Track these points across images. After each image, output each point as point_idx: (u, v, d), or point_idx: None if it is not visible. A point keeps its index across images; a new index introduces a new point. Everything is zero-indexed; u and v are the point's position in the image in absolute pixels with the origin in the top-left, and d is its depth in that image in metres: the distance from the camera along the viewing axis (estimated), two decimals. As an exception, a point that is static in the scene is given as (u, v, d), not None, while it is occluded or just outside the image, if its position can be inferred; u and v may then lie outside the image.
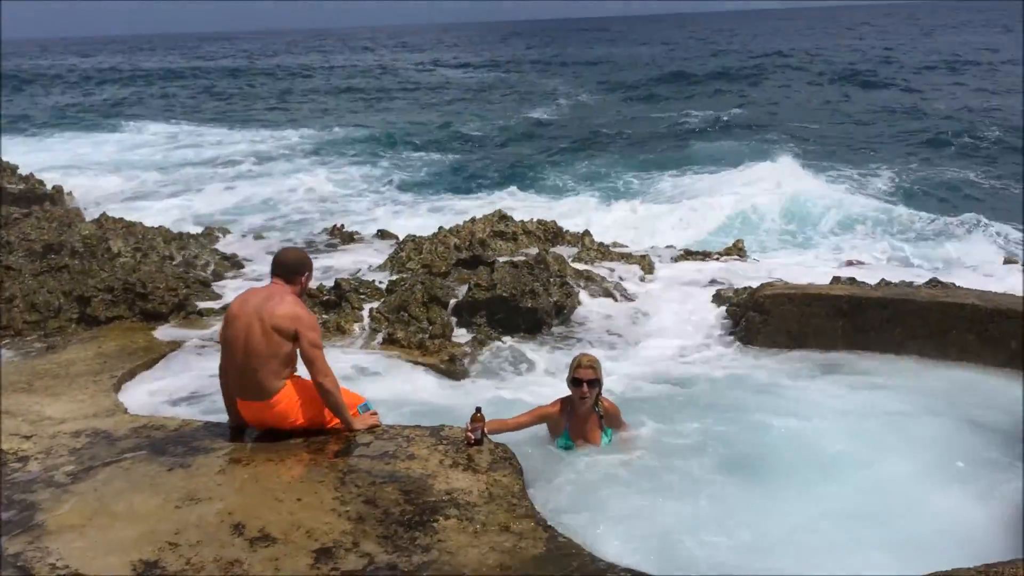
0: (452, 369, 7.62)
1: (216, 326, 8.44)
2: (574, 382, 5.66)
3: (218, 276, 10.60)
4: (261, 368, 5.21)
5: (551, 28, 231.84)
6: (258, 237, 13.85)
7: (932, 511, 4.84)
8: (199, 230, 13.73)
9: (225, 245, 12.74)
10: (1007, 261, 10.78)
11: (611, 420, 5.79)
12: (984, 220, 16.66)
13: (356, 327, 8.55)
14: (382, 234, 13.66)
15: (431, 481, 4.82)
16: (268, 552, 4.05)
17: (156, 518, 4.35)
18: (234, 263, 11.27)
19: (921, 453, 5.55)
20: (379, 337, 8.23)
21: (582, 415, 5.70)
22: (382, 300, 8.99)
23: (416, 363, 7.69)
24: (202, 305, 9.12)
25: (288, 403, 5.30)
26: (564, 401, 5.77)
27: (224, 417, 5.65)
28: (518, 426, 5.74)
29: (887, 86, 45.62)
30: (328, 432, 5.42)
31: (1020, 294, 8.30)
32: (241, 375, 5.31)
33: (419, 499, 4.61)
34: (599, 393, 5.73)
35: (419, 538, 4.24)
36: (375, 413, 5.65)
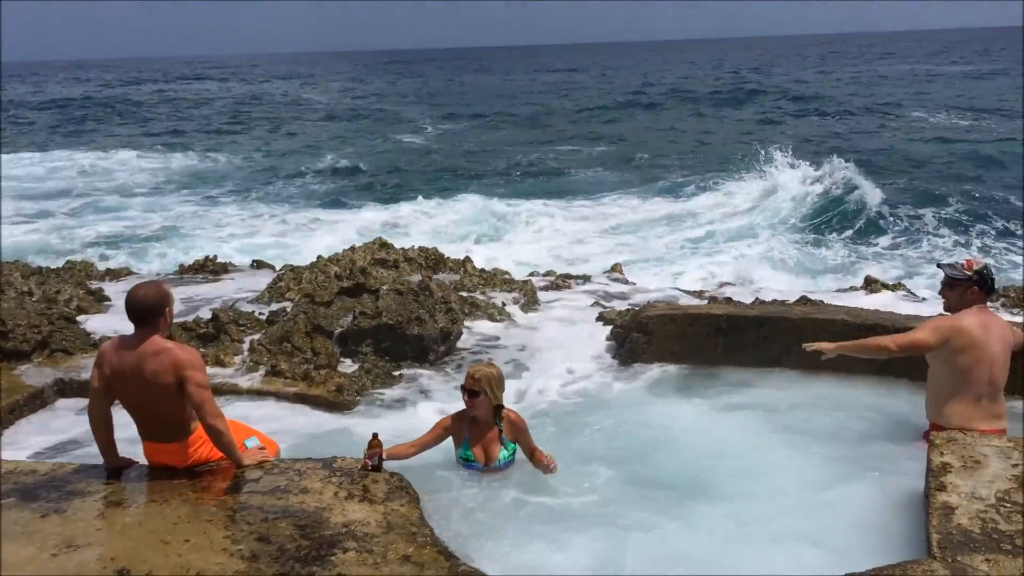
0: (340, 399, 7.45)
1: (84, 363, 8.03)
2: (460, 389, 5.75)
3: (82, 311, 10.08)
4: (168, 415, 5.03)
5: (419, 58, 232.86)
6: (125, 271, 13.26)
7: (819, 511, 5.01)
8: (60, 264, 13.06)
9: (89, 279, 12.14)
10: (868, 283, 11.33)
11: (513, 432, 5.76)
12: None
13: (237, 360, 8.27)
14: (258, 264, 13.33)
15: (327, 514, 4.66)
16: (157, 598, 3.83)
17: (31, 568, 4.04)
18: (99, 298, 10.73)
19: (809, 459, 5.76)
20: (262, 369, 7.98)
21: (481, 425, 5.71)
22: (263, 331, 8.74)
23: (302, 395, 7.50)
24: (67, 343, 8.63)
25: (205, 441, 5.12)
26: (462, 412, 5.78)
27: (100, 459, 5.33)
28: (424, 446, 5.69)
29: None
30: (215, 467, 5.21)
31: (883, 310, 8.75)
32: (146, 423, 5.10)
33: (315, 533, 4.46)
34: (493, 404, 5.72)
35: (317, 573, 4.09)
36: (263, 447, 5.46)
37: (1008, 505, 4.30)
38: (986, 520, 4.16)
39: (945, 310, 6.04)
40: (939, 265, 6.25)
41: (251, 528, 4.48)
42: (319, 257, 11.76)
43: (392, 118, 53.91)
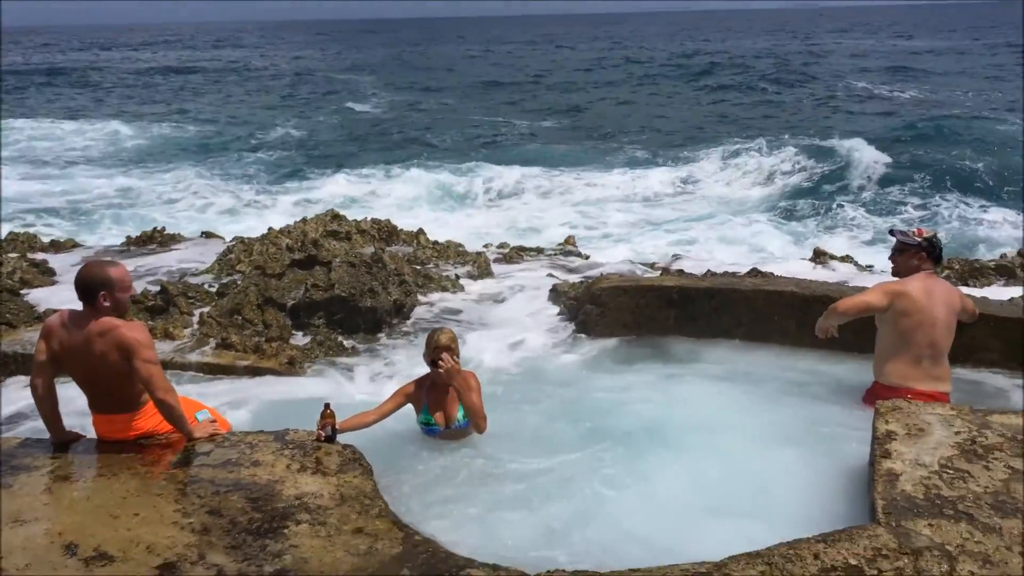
0: (292, 372, 7.40)
1: (28, 336, 7.88)
2: (434, 363, 5.65)
3: (27, 284, 9.86)
4: (118, 390, 5.00)
5: (372, 27, 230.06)
6: (70, 242, 12.98)
7: (767, 480, 5.09)
8: (3, 235, 12.76)
9: (32, 250, 11.87)
10: (816, 255, 11.48)
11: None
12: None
13: (186, 332, 8.16)
14: (207, 235, 13.13)
15: (279, 487, 4.64)
16: (106, 571, 3.78)
17: (-24, 544, 3.98)
18: (44, 270, 10.51)
19: (760, 428, 5.84)
20: (212, 342, 7.89)
21: (439, 389, 5.72)
22: (213, 304, 8.63)
23: (253, 367, 7.43)
24: (11, 316, 8.45)
25: (156, 413, 5.09)
26: (422, 378, 5.77)
27: (46, 434, 5.24)
28: (383, 414, 5.67)
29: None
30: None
31: (831, 281, 8.90)
32: (97, 397, 5.05)
33: (267, 506, 4.43)
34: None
35: (269, 545, 4.07)
36: (214, 421, 5.41)
37: (951, 471, 4.41)
38: (929, 486, 4.26)
39: (893, 275, 6.28)
40: (891, 231, 6.52)
41: (202, 501, 4.45)
42: (270, 229, 11.63)
43: (342, 87, 53.27)
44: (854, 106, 36.81)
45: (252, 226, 15.73)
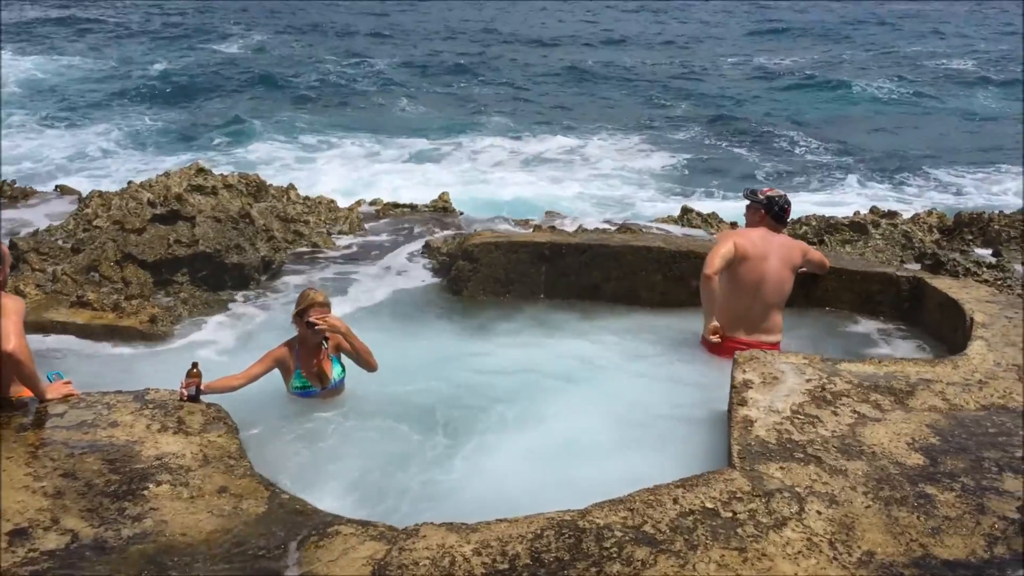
0: (154, 331, 7.12)
1: None
2: (309, 324, 5.50)
3: None
4: None
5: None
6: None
7: (631, 428, 5.25)
8: None
9: None
10: (684, 212, 11.77)
11: (334, 341, 5.71)
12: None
13: (38, 291, 7.75)
14: (62, 189, 12.44)
15: (138, 448, 4.49)
16: (-51, 541, 3.60)
17: None
18: None
19: (626, 381, 6.02)
20: (67, 301, 7.51)
21: (310, 349, 5.61)
22: (68, 260, 8.22)
23: (112, 327, 7.12)
24: None
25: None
26: (291, 341, 5.64)
27: None
28: (251, 378, 5.50)
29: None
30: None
31: (696, 237, 9.17)
32: None
33: (125, 467, 4.28)
34: None
35: (128, 508, 3.95)
36: (68, 382, 5.18)
37: (801, 417, 4.65)
38: (781, 431, 4.49)
39: None
40: (744, 191, 6.92)
41: (55, 464, 4.27)
42: (130, 183, 11.08)
43: (200, 27, 49.90)
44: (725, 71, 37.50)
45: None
